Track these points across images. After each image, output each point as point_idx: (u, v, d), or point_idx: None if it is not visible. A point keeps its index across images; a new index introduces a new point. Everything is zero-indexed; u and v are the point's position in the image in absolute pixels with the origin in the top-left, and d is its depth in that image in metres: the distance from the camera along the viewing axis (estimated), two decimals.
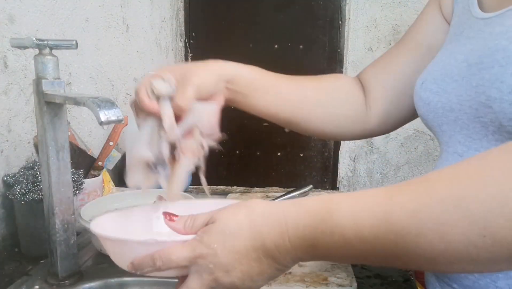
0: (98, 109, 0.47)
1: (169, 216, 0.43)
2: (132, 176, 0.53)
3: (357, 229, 0.35)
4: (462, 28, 0.57)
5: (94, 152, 0.92)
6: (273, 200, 0.93)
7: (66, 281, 0.61)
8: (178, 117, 0.51)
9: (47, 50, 0.55)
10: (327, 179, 1.98)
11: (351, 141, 1.93)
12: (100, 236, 0.44)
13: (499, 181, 0.31)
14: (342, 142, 1.92)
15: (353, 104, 0.69)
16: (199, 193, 1.07)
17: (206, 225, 0.41)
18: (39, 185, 0.70)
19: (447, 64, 0.54)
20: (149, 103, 0.50)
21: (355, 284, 0.58)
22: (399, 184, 0.37)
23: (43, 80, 0.55)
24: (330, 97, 0.67)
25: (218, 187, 1.15)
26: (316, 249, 0.37)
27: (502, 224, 0.30)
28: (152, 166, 0.52)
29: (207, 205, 0.53)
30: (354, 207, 0.36)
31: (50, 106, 0.56)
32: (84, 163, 0.85)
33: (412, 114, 0.67)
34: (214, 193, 1.10)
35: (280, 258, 0.39)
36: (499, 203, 0.30)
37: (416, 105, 0.59)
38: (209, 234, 0.40)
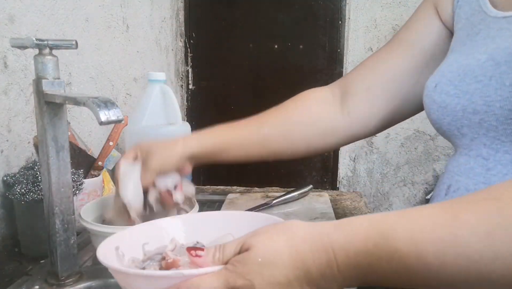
0: (98, 109, 0.47)
1: (194, 252, 0.38)
2: (109, 212, 0.65)
3: (419, 254, 0.32)
4: (477, 29, 0.55)
5: (94, 152, 0.92)
6: (273, 200, 0.93)
7: (66, 281, 0.61)
8: None
9: (47, 50, 0.55)
10: (327, 179, 1.98)
11: None
12: (116, 270, 0.38)
13: None
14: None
15: (324, 119, 0.69)
16: (199, 193, 1.07)
17: (239, 253, 0.36)
18: (39, 185, 0.70)
19: (466, 65, 0.52)
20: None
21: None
22: (454, 200, 0.34)
23: (43, 80, 0.55)
24: (291, 125, 0.68)
25: (218, 187, 1.15)
26: (369, 276, 0.34)
27: None
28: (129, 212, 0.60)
29: (231, 217, 0.52)
30: (413, 229, 0.33)
31: (50, 106, 0.56)
32: (84, 163, 0.85)
33: (400, 116, 0.66)
34: (214, 193, 1.10)
35: (325, 287, 0.35)
36: None
37: (429, 108, 0.56)
38: (243, 263, 0.35)
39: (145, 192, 0.62)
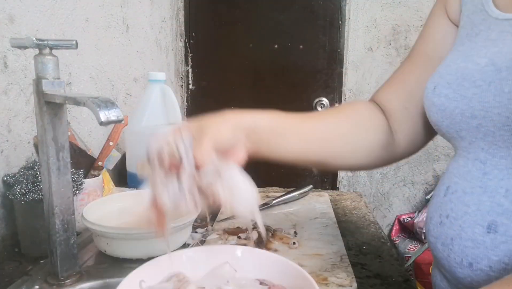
0: (98, 109, 0.47)
1: None
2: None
3: None
4: (477, 29, 0.54)
5: (94, 152, 0.92)
6: (273, 200, 0.93)
7: (66, 281, 0.61)
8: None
9: (47, 50, 0.55)
10: (327, 179, 1.98)
11: None
12: None
13: None
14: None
15: (378, 131, 0.65)
16: None
17: None
18: (39, 185, 0.70)
19: (464, 68, 0.51)
20: (172, 162, 0.49)
21: (355, 284, 0.58)
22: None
23: (43, 80, 0.55)
24: (354, 128, 0.64)
25: None
26: None
27: None
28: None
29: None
30: None
31: (50, 106, 0.56)
32: (84, 163, 0.85)
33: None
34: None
35: None
36: None
37: (428, 110, 0.56)
38: None
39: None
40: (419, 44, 0.65)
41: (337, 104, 1.89)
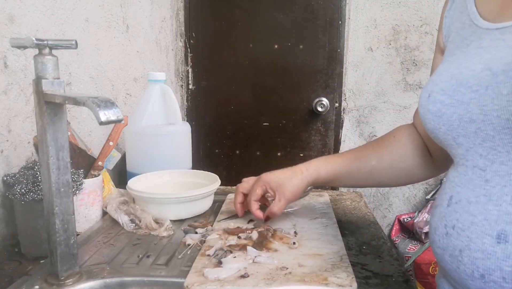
0: (98, 109, 0.47)
1: None
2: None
3: None
4: (467, 41, 0.56)
5: (94, 152, 0.92)
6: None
7: (66, 281, 0.61)
8: None
9: (47, 50, 0.55)
10: None
11: (351, 141, 1.93)
12: None
13: None
14: (342, 142, 1.93)
15: (415, 155, 0.74)
16: None
17: None
18: (39, 185, 0.70)
19: (458, 74, 0.53)
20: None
21: (355, 284, 0.58)
22: None
23: (43, 80, 0.55)
24: (394, 160, 0.75)
25: (219, 187, 1.15)
26: None
27: None
28: None
29: None
30: None
31: (50, 106, 0.56)
32: (84, 163, 0.85)
33: None
34: (214, 193, 1.09)
35: None
36: None
37: (424, 118, 0.57)
38: None
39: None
40: (432, 68, 0.71)
41: (337, 105, 1.89)
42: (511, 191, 0.46)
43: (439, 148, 0.65)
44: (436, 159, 0.73)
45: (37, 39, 0.53)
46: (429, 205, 1.86)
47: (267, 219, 0.80)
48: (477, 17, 0.55)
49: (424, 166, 0.74)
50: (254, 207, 0.79)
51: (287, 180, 0.77)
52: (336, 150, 1.92)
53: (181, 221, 0.87)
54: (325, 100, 1.87)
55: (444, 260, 0.53)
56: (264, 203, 0.84)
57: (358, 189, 1.99)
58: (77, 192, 0.76)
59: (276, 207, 0.77)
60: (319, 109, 1.86)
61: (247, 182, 0.84)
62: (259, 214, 0.79)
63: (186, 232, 0.80)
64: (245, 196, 0.83)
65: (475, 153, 0.50)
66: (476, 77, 0.49)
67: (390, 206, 1.99)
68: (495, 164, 0.48)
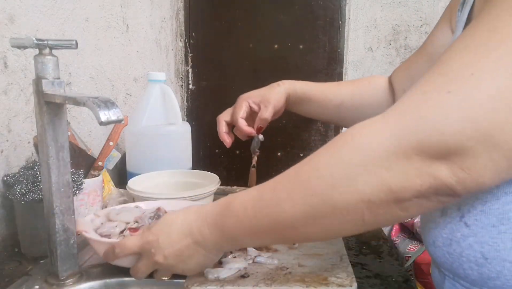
0: (98, 109, 0.47)
1: (132, 231, 0.62)
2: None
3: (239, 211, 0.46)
4: None
5: (94, 152, 0.92)
6: None
7: (66, 281, 0.61)
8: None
9: (47, 50, 0.55)
10: None
11: None
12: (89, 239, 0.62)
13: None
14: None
15: (384, 107, 0.74)
16: None
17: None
18: (39, 185, 0.70)
19: None
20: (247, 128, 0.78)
21: (355, 284, 0.58)
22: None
23: (43, 80, 0.55)
24: (363, 101, 0.79)
25: (218, 187, 1.15)
26: (223, 231, 0.48)
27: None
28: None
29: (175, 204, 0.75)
30: (243, 197, 0.47)
31: (50, 106, 0.56)
32: (84, 163, 0.85)
33: None
34: (214, 193, 1.09)
35: (205, 244, 0.50)
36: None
37: None
38: (156, 224, 0.53)
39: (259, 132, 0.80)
40: (427, 40, 0.74)
41: None
42: None
43: None
44: None
45: (37, 39, 0.53)
46: None
47: (259, 130, 0.79)
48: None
49: None
50: (242, 123, 0.77)
51: (267, 91, 0.78)
52: None
53: None
54: None
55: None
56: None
57: None
58: (77, 192, 0.76)
59: (265, 113, 0.76)
60: None
61: (226, 111, 0.82)
62: (248, 128, 0.78)
63: None
64: (228, 125, 0.81)
65: None
66: None
67: None
68: None
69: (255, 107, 0.78)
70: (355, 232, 0.43)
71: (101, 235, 0.64)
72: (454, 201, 0.39)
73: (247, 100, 0.78)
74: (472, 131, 0.33)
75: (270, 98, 0.77)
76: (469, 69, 0.35)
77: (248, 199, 0.46)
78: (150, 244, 0.51)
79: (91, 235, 0.62)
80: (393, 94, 0.78)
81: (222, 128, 0.80)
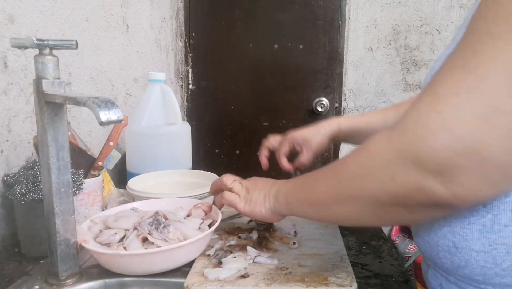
0: (98, 109, 0.47)
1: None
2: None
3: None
4: None
5: (94, 152, 0.92)
6: None
7: (66, 281, 0.61)
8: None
9: (47, 50, 0.55)
10: None
11: None
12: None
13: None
14: (342, 142, 1.92)
15: None
16: None
17: None
18: (39, 185, 0.70)
19: None
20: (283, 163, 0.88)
21: (355, 284, 0.58)
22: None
23: (43, 80, 0.55)
24: None
25: None
26: (287, 185, 0.60)
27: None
28: None
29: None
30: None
31: (50, 106, 0.56)
32: (84, 163, 0.85)
33: None
34: None
35: (273, 189, 0.62)
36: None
37: None
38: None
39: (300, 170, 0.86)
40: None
41: (337, 105, 1.89)
42: None
43: None
44: None
45: (37, 39, 0.53)
46: None
47: (296, 169, 0.87)
48: None
49: None
50: (284, 160, 0.86)
51: (312, 134, 0.84)
52: (336, 150, 1.92)
53: None
54: (325, 100, 1.87)
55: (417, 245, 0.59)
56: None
57: None
58: (77, 192, 0.76)
59: (304, 157, 0.84)
60: (319, 109, 1.86)
61: (274, 139, 0.90)
62: (288, 165, 0.86)
63: None
64: (270, 151, 0.90)
65: None
66: None
67: None
68: None
69: (298, 148, 0.86)
70: (374, 223, 0.51)
71: (101, 244, 0.64)
72: (460, 211, 0.44)
73: (292, 141, 0.86)
74: (460, 148, 0.36)
75: (312, 143, 0.83)
76: (454, 88, 0.37)
77: (302, 177, 0.58)
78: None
79: (91, 246, 0.62)
80: None
81: (264, 153, 0.90)
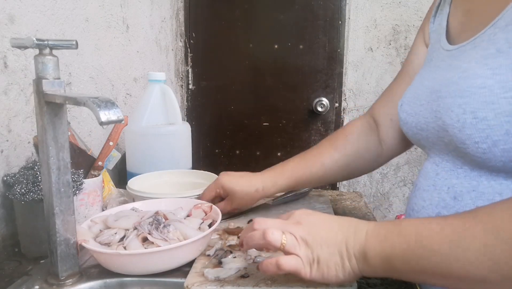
0: (98, 109, 0.47)
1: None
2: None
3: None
4: (431, 56, 0.66)
5: (94, 152, 0.92)
6: (273, 200, 0.93)
7: (66, 281, 0.61)
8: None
9: (47, 50, 0.55)
10: None
11: None
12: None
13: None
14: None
15: (370, 151, 0.81)
16: None
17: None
18: (39, 185, 0.70)
19: (417, 89, 0.63)
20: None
21: (355, 284, 0.58)
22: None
23: (43, 80, 0.55)
24: (348, 160, 0.82)
25: None
26: (383, 245, 0.46)
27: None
28: None
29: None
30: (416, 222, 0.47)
31: (50, 106, 0.56)
32: (84, 163, 0.85)
33: None
34: None
35: (351, 243, 0.49)
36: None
37: (399, 122, 0.69)
38: (290, 215, 0.56)
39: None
40: (405, 63, 0.78)
41: (337, 105, 1.89)
42: (449, 182, 0.57)
43: (392, 139, 0.79)
44: (386, 150, 0.81)
45: (37, 39, 0.53)
46: None
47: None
48: (443, 35, 0.64)
49: (377, 158, 0.82)
50: (218, 205, 0.80)
51: (241, 190, 0.81)
52: None
53: None
54: (325, 100, 1.87)
55: None
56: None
57: (358, 189, 1.99)
58: (77, 192, 0.76)
59: (221, 207, 0.81)
60: (319, 109, 1.86)
61: (208, 191, 0.85)
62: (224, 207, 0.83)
63: None
64: (214, 197, 0.85)
65: (434, 152, 0.62)
66: (424, 93, 0.60)
67: (390, 206, 1.99)
68: (443, 161, 0.59)
69: (223, 195, 0.84)
70: None
71: (101, 243, 0.64)
72: None
73: (219, 189, 0.83)
74: None
75: (236, 198, 0.82)
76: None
77: (410, 230, 0.45)
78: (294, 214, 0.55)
79: (91, 246, 0.62)
80: (376, 129, 0.81)
81: (211, 201, 0.83)
